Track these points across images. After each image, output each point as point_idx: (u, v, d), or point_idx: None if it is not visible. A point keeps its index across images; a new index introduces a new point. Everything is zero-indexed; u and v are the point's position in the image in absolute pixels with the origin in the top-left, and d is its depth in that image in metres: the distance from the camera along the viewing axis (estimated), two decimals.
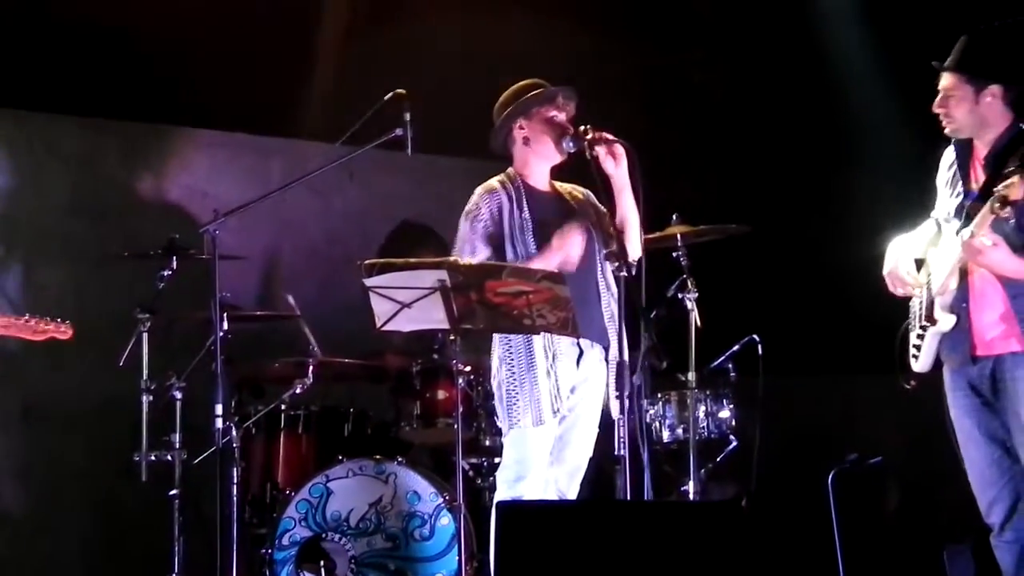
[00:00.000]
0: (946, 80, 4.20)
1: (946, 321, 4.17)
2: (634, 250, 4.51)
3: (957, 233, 4.13)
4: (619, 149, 4.49)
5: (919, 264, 4.33)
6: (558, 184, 4.77)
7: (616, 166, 4.50)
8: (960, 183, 4.24)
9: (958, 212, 4.19)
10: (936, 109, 4.23)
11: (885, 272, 4.35)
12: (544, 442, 4.54)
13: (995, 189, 3.97)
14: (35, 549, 5.77)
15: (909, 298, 4.33)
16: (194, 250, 5.00)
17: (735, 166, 6.33)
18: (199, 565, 5.00)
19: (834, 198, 6.09)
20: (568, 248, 4.53)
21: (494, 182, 4.69)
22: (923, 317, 4.26)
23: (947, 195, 4.31)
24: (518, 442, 4.54)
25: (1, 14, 5.65)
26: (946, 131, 4.26)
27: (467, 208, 4.65)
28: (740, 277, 6.03)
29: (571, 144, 4.57)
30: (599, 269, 4.61)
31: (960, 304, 4.15)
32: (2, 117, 5.84)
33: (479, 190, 4.68)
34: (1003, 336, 4.10)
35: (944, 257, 4.21)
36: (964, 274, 4.14)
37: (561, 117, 4.64)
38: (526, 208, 4.62)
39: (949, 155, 4.33)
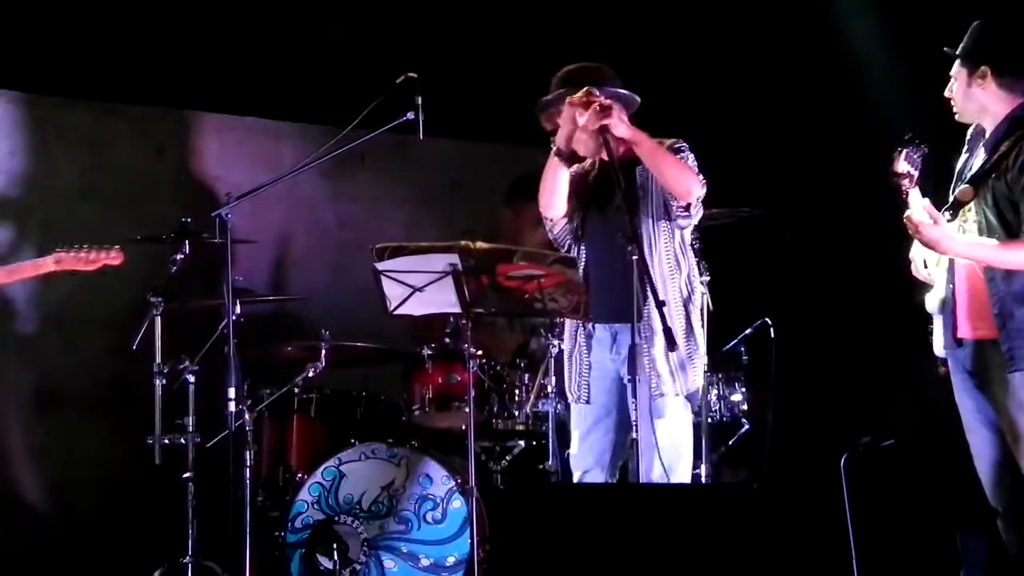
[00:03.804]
0: (954, 66, 4.21)
1: (931, 303, 4.18)
2: (680, 192, 4.40)
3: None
4: (605, 110, 4.35)
5: None
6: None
7: (614, 127, 4.37)
8: (966, 166, 4.26)
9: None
10: (945, 94, 4.24)
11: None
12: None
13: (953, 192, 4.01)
14: (48, 532, 5.79)
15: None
16: (206, 234, 4.99)
17: (747, 148, 6.31)
18: (212, 548, 5.01)
19: (847, 180, 6.06)
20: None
21: None
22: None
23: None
24: None
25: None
26: (955, 116, 4.26)
27: None
28: (752, 260, 6.02)
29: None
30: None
31: (947, 286, 4.15)
32: (13, 100, 5.85)
33: None
34: (980, 321, 4.08)
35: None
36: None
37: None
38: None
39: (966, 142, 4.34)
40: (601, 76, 4.54)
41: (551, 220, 4.59)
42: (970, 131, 4.28)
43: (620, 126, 4.39)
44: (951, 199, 4.07)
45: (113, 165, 6.04)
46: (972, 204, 4.05)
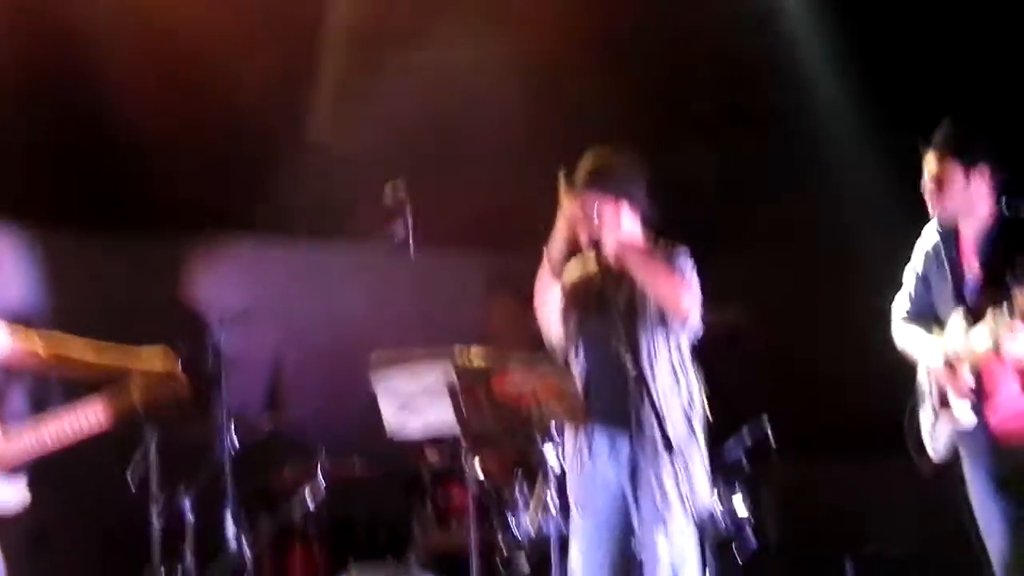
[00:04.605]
0: (936, 162, 4.21)
1: (964, 413, 4.15)
2: (670, 304, 4.32)
3: (967, 327, 4.13)
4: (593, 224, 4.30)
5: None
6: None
7: (608, 241, 4.34)
8: (947, 267, 4.26)
9: (958, 297, 4.20)
10: (928, 192, 4.24)
11: (933, 367, 4.30)
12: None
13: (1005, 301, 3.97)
14: None
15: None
16: (200, 359, 4.97)
17: (734, 248, 6.33)
18: None
19: (835, 283, 6.10)
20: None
21: None
22: (937, 402, 4.24)
23: (935, 276, 4.32)
24: None
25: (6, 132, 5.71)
26: (934, 213, 4.26)
27: None
28: (746, 363, 6.00)
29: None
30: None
31: (976, 395, 4.13)
32: (4, 231, 5.87)
33: None
34: (1019, 423, 4.09)
35: (953, 345, 4.20)
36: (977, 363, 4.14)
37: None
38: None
39: (931, 235, 4.35)
40: (608, 177, 4.43)
41: (545, 330, 4.55)
42: (937, 228, 4.28)
43: (609, 240, 4.36)
44: (966, 305, 4.08)
45: (104, 292, 6.04)
46: (991, 308, 4.04)
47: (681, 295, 4.34)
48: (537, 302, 4.51)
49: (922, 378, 4.38)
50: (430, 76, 6.22)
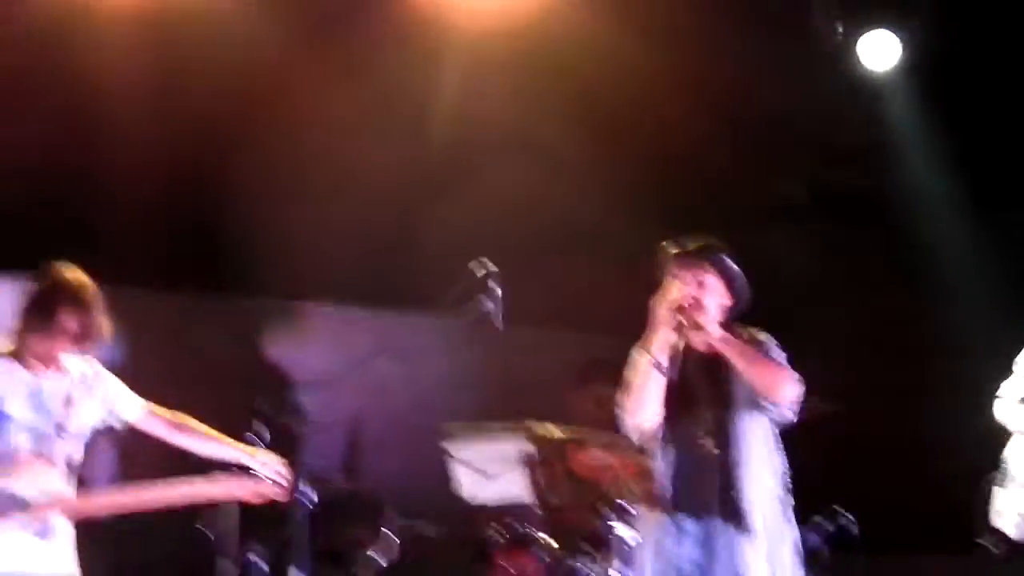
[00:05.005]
0: None
1: None
2: (772, 392, 4.22)
3: None
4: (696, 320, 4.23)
5: None
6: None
7: (707, 325, 4.27)
8: None
9: None
10: None
11: None
12: None
13: None
14: None
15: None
16: (283, 419, 5.01)
17: (815, 337, 6.27)
18: None
19: (920, 376, 6.02)
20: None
21: None
22: None
23: None
24: None
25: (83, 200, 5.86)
26: None
27: None
28: (829, 451, 5.92)
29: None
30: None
31: None
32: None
33: None
34: None
35: None
36: None
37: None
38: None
39: None
40: (712, 255, 4.39)
41: (629, 417, 4.46)
42: None
43: (709, 329, 4.28)
44: None
45: (191, 351, 6.15)
46: None
47: (784, 382, 4.27)
48: (629, 390, 4.43)
49: (1011, 455, 4.31)
50: (526, 158, 6.32)
